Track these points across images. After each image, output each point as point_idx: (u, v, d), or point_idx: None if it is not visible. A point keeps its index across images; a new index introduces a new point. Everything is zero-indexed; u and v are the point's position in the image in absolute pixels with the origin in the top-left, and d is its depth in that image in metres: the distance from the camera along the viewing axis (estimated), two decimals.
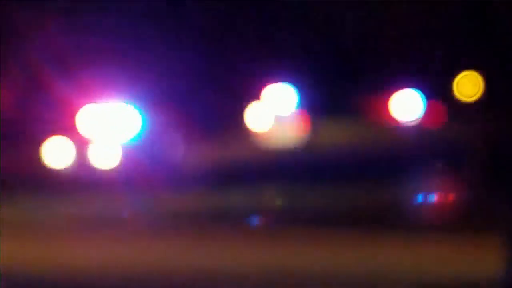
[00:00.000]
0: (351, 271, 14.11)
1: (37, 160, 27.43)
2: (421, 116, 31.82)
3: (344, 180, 23.93)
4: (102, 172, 26.92)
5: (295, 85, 30.29)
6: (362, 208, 22.06)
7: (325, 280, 13.25)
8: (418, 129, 30.50)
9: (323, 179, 25.60)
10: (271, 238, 17.56)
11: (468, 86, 25.68)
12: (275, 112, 35.49)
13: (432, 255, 14.86)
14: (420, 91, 31.96)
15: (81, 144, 27.56)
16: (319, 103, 29.47)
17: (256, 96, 32.04)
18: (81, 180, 26.36)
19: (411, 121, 33.53)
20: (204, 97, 29.43)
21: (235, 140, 33.76)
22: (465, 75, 25.42)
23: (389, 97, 34.25)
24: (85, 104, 29.55)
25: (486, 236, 14.34)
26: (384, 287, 13.00)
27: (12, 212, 21.06)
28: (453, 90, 28.07)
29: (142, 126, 27.84)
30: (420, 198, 22.86)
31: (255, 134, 33.44)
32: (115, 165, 29.93)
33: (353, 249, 16.17)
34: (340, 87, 29.99)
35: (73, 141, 27.46)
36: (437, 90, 32.68)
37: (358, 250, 15.96)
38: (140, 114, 28.85)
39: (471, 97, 27.31)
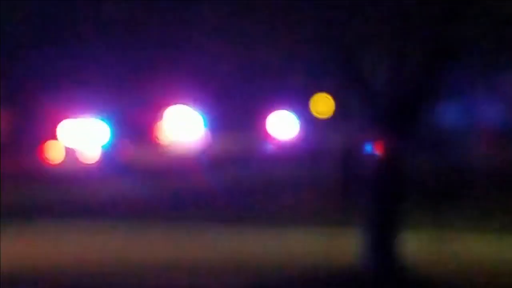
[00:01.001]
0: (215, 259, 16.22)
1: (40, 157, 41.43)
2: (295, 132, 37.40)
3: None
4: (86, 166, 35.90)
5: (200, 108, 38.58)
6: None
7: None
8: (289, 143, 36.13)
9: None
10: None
11: (323, 105, 30.41)
12: (181, 128, 43.12)
13: (298, 247, 17.64)
14: (293, 112, 37.23)
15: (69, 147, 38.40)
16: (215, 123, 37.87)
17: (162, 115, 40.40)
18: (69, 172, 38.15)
19: (286, 136, 39.62)
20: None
21: (151, 147, 42.57)
22: (319, 96, 29.99)
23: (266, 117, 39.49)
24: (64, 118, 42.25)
25: (345, 229, 16.26)
26: (250, 275, 13.65)
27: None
28: (310, 109, 32.74)
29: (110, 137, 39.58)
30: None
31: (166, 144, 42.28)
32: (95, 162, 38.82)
33: (218, 240, 20.06)
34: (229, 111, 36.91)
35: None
36: (300, 110, 37.48)
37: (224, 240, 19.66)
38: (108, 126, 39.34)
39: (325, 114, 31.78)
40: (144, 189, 31.31)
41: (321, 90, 29.35)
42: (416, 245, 12.60)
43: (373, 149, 12.38)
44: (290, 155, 37.95)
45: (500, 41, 12.47)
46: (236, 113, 40.25)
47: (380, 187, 12.09)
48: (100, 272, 15.00)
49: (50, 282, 13.77)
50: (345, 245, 13.80)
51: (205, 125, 44.02)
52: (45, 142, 42.51)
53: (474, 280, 12.79)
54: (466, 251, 17.05)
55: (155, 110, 42.97)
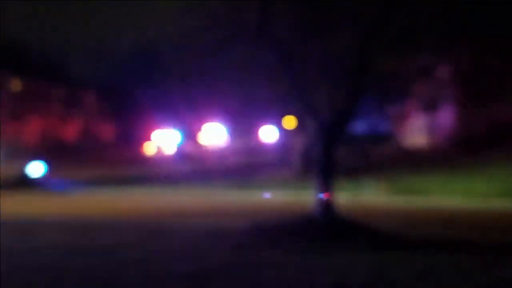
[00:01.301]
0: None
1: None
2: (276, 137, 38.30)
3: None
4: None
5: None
6: None
7: None
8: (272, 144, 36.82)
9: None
10: None
11: (290, 122, 30.44)
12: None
13: (278, 202, 18.62)
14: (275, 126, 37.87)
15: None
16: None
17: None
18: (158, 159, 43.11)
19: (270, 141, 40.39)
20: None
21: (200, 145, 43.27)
22: (288, 117, 30.13)
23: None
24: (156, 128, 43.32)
25: (304, 192, 16.28)
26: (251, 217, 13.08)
27: None
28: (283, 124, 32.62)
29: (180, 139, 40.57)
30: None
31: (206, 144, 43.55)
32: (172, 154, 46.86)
33: None
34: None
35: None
36: (278, 125, 37.44)
37: None
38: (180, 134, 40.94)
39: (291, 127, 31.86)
40: (195, 168, 35.82)
41: (288, 113, 29.62)
42: (342, 200, 12.41)
43: (317, 145, 12.16)
44: (272, 150, 39.70)
45: (387, 87, 12.97)
46: (243, 126, 45.84)
47: (322, 166, 11.87)
48: (175, 215, 15.61)
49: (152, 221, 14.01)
50: (303, 202, 13.48)
51: (226, 133, 49.94)
52: (145, 142, 51.74)
53: (376, 218, 13.10)
54: (370, 202, 18.07)
55: (201, 124, 48.16)
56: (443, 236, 11.83)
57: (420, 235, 11.76)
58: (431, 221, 14.31)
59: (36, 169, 33.89)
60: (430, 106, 30.80)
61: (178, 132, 50.72)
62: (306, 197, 13.05)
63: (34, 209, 17.41)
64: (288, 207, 14.85)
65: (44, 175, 33.75)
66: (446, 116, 31.49)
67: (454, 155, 26.36)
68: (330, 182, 11.93)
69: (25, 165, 34.12)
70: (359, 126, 28.04)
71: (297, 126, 29.12)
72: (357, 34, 11.74)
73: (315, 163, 12.36)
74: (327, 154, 12.10)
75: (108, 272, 7.37)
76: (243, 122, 53.02)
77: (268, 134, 55.90)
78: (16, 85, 51.91)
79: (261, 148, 46.24)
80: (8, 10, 43.12)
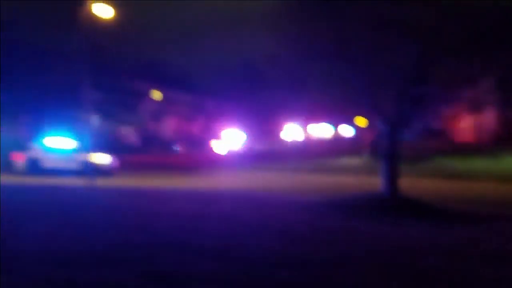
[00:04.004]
0: None
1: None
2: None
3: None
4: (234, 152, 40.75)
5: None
6: None
7: None
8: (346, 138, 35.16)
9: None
10: None
11: (361, 120, 29.37)
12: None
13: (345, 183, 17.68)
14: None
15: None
16: None
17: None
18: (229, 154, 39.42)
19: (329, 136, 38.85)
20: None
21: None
22: (359, 117, 29.12)
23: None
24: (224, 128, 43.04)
25: (372, 176, 14.64)
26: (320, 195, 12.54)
27: None
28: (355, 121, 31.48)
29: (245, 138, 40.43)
30: None
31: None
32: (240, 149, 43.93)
33: None
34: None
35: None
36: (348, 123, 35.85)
37: None
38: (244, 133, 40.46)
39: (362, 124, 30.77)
40: (283, 157, 32.62)
41: (360, 114, 28.53)
42: (404, 182, 11.89)
43: (384, 139, 11.91)
44: (346, 142, 38.00)
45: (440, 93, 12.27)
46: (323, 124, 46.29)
47: (388, 155, 11.57)
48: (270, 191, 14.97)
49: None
50: (373, 183, 12.98)
51: (306, 130, 49.17)
52: (215, 141, 48.70)
53: (432, 197, 12.37)
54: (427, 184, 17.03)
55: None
56: (489, 211, 11.23)
57: (469, 211, 11.22)
58: (479, 200, 13.58)
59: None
60: (476, 108, 28.96)
61: (243, 132, 51.35)
62: (375, 180, 12.33)
63: (173, 183, 18.00)
64: (360, 188, 14.35)
65: None
66: (490, 117, 30.67)
67: (495, 148, 25.16)
68: (394, 167, 11.54)
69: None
70: (417, 123, 26.59)
71: (367, 123, 28.32)
72: (415, 49, 11.15)
73: (382, 153, 11.90)
74: (392, 145, 11.73)
75: (220, 233, 7.44)
76: (323, 120, 53.72)
77: (343, 130, 55.75)
78: (156, 94, 54.39)
79: (338, 141, 45.73)
80: (148, 37, 45.36)
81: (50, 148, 19.87)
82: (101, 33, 26.45)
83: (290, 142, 51.03)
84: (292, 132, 57.62)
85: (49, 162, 19.40)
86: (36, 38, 29.50)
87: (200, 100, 63.31)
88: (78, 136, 20.40)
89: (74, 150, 19.63)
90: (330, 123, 57.44)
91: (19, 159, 19.72)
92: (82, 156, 18.51)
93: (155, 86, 52.82)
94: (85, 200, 11.48)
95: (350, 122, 36.41)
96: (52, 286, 4.44)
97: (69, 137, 20.47)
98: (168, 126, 55.57)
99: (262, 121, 50.38)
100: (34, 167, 19.30)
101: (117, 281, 4.59)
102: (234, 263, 5.41)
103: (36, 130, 26.87)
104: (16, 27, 29.28)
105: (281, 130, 56.17)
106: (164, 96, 54.72)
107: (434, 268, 5.51)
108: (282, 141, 52.43)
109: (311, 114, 44.82)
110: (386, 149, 11.72)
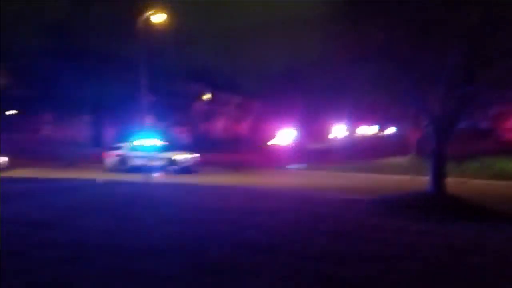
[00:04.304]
0: None
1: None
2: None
3: None
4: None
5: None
6: None
7: None
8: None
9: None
10: None
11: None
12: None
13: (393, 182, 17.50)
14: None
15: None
16: None
17: None
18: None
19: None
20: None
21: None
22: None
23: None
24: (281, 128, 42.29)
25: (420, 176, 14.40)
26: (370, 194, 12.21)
27: None
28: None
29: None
30: None
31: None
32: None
33: None
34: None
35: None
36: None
37: None
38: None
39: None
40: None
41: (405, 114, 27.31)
42: (450, 181, 11.66)
43: (431, 138, 11.69)
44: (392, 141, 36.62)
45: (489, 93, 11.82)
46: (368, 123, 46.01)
47: (435, 154, 11.40)
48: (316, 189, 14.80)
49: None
50: (419, 182, 12.86)
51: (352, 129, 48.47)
52: (271, 138, 49.44)
53: (478, 197, 12.04)
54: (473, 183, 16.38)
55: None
56: None
57: None
58: None
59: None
60: None
61: (295, 130, 50.72)
62: (422, 179, 12.29)
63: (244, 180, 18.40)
64: (407, 187, 13.99)
65: None
66: None
67: None
68: (441, 167, 11.34)
69: None
70: (464, 122, 25.27)
71: (413, 122, 27.42)
72: (465, 49, 10.88)
73: (429, 152, 11.67)
74: (439, 145, 11.52)
75: (270, 228, 7.54)
76: (369, 120, 52.97)
77: (387, 129, 54.80)
78: (207, 96, 55.42)
79: (383, 140, 44.60)
80: (199, 44, 46.29)
81: (137, 147, 20.59)
82: (157, 39, 27.53)
83: (337, 141, 50.65)
84: (338, 131, 57.40)
85: (136, 160, 20.11)
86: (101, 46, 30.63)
87: (248, 101, 64.13)
88: (162, 136, 21.72)
89: (159, 149, 20.31)
90: (375, 123, 56.61)
91: (109, 157, 20.74)
92: (167, 155, 19.78)
93: (206, 88, 53.85)
94: (169, 196, 11.80)
95: (394, 122, 34.83)
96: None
97: (154, 137, 21.02)
98: (218, 127, 56.52)
99: (310, 121, 50.22)
100: (123, 165, 20.36)
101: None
102: (283, 257, 5.52)
103: (125, 131, 27.86)
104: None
105: (328, 130, 55.97)
106: (214, 97, 55.66)
107: (479, 268, 5.39)
108: (329, 140, 52.06)
109: (356, 114, 44.30)
110: (432, 148, 11.49)
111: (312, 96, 41.94)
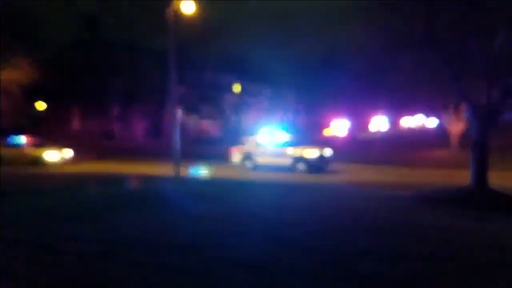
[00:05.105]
0: None
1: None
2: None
3: None
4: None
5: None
6: None
7: None
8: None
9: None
10: None
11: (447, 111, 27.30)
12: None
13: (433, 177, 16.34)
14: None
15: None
16: None
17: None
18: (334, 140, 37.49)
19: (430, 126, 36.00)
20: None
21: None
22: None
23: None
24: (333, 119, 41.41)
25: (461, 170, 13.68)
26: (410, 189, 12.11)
27: None
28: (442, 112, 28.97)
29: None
30: None
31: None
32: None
33: None
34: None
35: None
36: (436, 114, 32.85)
37: None
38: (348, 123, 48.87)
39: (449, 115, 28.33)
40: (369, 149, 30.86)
41: (447, 105, 26.74)
42: (493, 175, 11.40)
43: (474, 130, 11.44)
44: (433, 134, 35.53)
45: None
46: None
47: (478, 147, 11.24)
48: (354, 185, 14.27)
49: None
50: (460, 176, 12.63)
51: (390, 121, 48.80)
52: (326, 128, 51.78)
53: None
54: None
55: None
56: None
57: None
58: None
59: None
60: None
61: (347, 122, 51.20)
62: (464, 173, 11.80)
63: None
64: (449, 181, 13.85)
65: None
66: None
67: None
68: (484, 160, 11.19)
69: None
70: (508, 114, 24.22)
71: (454, 114, 26.87)
72: (507, 39, 10.63)
73: (472, 145, 11.48)
74: (482, 138, 11.35)
75: (314, 222, 7.81)
76: (406, 112, 52.13)
77: (428, 121, 53.99)
78: (237, 87, 55.71)
79: (424, 133, 43.83)
80: (232, 36, 46.85)
81: (262, 142, 19.13)
82: (187, 30, 27.78)
83: (380, 133, 50.49)
84: (379, 124, 57.32)
85: (262, 157, 18.79)
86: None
87: (281, 93, 64.04)
88: (288, 130, 20.29)
89: (286, 144, 18.69)
90: (417, 115, 56.02)
91: (235, 153, 19.65)
92: (295, 151, 18.03)
93: (238, 79, 54.13)
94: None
95: (437, 113, 33.58)
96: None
97: (280, 131, 19.81)
98: (250, 119, 56.77)
99: (354, 113, 50.20)
100: (248, 161, 19.06)
101: None
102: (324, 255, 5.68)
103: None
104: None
105: (369, 122, 56.10)
106: (244, 88, 55.91)
107: None
108: (370, 133, 51.84)
109: (398, 106, 43.86)
110: (475, 141, 11.36)
111: (352, 87, 41.49)
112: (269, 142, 18.73)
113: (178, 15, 17.49)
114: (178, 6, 16.95)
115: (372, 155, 26.25)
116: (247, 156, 19.07)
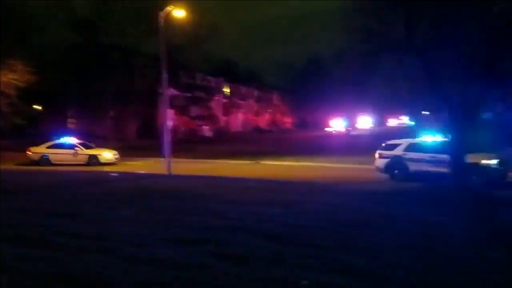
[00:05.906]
0: None
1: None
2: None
3: None
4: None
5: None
6: None
7: None
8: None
9: None
10: None
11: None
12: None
13: None
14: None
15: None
16: None
17: None
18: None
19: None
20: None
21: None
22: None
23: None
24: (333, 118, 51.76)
25: None
26: None
27: None
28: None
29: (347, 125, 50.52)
30: None
31: None
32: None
33: None
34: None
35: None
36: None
37: None
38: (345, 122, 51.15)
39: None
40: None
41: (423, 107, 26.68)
42: None
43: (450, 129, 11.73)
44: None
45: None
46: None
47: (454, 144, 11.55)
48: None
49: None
50: None
51: (371, 121, 48.78)
52: (326, 125, 52.92)
53: None
54: None
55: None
56: None
57: None
58: None
59: None
60: None
61: (344, 121, 53.44)
62: None
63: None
64: None
65: None
66: None
67: None
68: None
69: None
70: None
71: (431, 114, 27.10)
72: (483, 42, 10.91)
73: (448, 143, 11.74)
74: (457, 136, 11.56)
75: (293, 220, 7.48)
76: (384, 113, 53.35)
77: (403, 120, 56.71)
78: (227, 89, 55.72)
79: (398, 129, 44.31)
80: (221, 40, 46.39)
81: (419, 146, 14.61)
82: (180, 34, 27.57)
83: (367, 130, 52.21)
84: (365, 123, 60.95)
85: (418, 165, 14.16)
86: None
87: (268, 95, 63.87)
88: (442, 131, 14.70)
89: (447, 149, 13.32)
90: (402, 116, 59.06)
91: (378, 158, 15.25)
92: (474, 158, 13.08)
93: (227, 82, 54.03)
94: None
95: (415, 115, 34.04)
96: None
97: (435, 132, 15.20)
98: (236, 119, 56.67)
99: (344, 114, 52.33)
100: (396, 169, 14.55)
101: None
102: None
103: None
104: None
105: (355, 121, 59.34)
106: (233, 91, 55.85)
107: None
108: (359, 130, 53.99)
109: (379, 107, 45.06)
110: (451, 139, 11.54)
111: (338, 89, 42.00)
112: (429, 145, 14.39)
113: (169, 19, 17.55)
114: (170, 10, 17.04)
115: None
116: (395, 163, 14.57)
